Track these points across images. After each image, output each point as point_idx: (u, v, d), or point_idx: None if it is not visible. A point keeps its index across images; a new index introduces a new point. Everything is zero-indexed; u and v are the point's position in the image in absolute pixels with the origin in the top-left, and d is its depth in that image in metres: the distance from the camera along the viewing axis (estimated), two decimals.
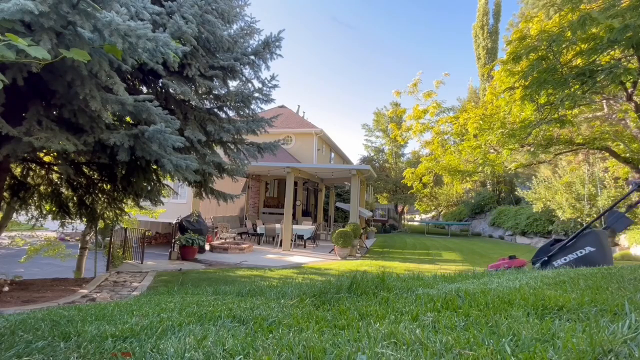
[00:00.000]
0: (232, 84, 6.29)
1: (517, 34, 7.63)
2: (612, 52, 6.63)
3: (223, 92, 6.21)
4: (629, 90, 7.54)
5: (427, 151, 14.72)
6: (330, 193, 20.45)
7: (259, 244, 13.69)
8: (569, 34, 6.30)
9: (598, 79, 6.41)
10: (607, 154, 10.74)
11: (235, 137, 6.48)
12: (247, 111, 6.46)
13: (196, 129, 5.49)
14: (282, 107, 22.13)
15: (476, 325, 1.02)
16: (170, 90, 5.12)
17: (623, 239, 13.70)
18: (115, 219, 7.42)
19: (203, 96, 6.18)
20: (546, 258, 4.84)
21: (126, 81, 5.04)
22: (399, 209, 30.29)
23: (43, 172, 6.84)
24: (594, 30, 6.07)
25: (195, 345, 0.98)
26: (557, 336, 0.87)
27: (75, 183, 6.78)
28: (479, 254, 13.10)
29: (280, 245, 12.49)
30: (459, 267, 9.65)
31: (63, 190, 7.05)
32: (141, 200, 6.72)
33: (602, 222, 13.38)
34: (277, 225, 13.24)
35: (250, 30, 6.24)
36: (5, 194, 6.24)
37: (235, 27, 6.23)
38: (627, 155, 9.61)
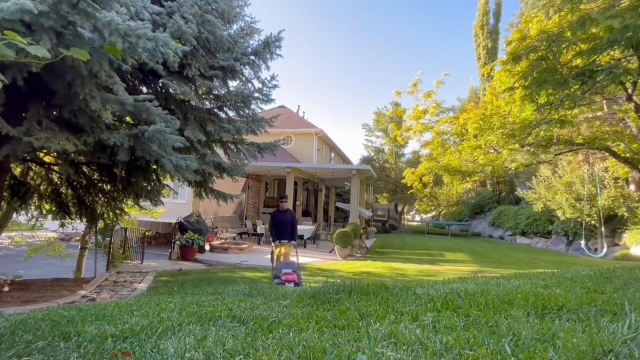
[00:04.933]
0: (232, 84, 6.28)
1: (517, 34, 7.63)
2: (612, 52, 6.63)
3: (223, 92, 6.20)
4: (629, 90, 7.55)
5: (427, 151, 14.75)
6: (330, 193, 20.44)
7: (259, 244, 13.68)
8: (568, 34, 6.30)
9: (598, 79, 6.41)
10: (607, 154, 10.75)
11: (235, 137, 6.47)
12: (247, 111, 6.46)
13: (196, 129, 5.48)
14: (282, 107, 22.12)
15: (476, 325, 1.02)
16: (170, 90, 5.12)
17: (624, 238, 13.70)
18: (115, 219, 7.42)
19: (203, 96, 6.17)
20: None
21: (126, 81, 5.04)
22: (399, 209, 30.30)
23: (43, 172, 6.84)
24: (593, 30, 6.07)
25: (195, 345, 0.98)
26: (557, 336, 0.87)
27: (75, 183, 6.78)
28: (479, 254, 13.10)
29: None
30: (461, 268, 9.65)
31: (63, 190, 7.05)
32: (141, 200, 6.71)
33: (602, 225, 13.44)
34: None
35: (250, 30, 6.24)
36: (5, 193, 6.24)
37: (235, 27, 6.22)
38: (627, 155, 9.62)
